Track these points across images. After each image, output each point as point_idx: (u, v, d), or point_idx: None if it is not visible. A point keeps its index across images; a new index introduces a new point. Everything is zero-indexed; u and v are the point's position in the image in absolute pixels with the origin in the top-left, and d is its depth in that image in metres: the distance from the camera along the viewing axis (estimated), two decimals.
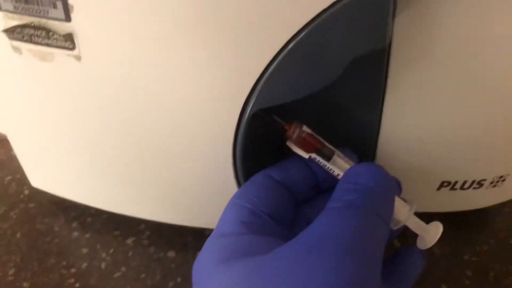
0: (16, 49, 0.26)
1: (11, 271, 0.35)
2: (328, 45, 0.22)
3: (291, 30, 0.22)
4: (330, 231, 0.21)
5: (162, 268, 0.35)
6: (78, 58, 0.25)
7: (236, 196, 0.25)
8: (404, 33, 0.24)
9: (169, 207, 0.34)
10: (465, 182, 0.32)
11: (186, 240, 0.37)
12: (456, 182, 0.32)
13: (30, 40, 0.25)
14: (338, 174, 0.25)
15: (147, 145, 0.29)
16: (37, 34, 0.25)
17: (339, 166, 0.25)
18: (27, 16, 0.24)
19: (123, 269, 0.35)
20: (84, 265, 0.35)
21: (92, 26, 0.24)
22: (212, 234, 0.24)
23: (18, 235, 0.38)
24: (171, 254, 0.36)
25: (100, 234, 0.38)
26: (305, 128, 0.26)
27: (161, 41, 0.24)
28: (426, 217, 0.26)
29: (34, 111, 0.30)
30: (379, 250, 0.21)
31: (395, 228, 0.25)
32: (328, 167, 0.26)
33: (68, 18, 0.24)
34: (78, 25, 0.24)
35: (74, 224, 0.39)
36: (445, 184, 0.32)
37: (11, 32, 0.25)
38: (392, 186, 0.24)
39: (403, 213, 0.25)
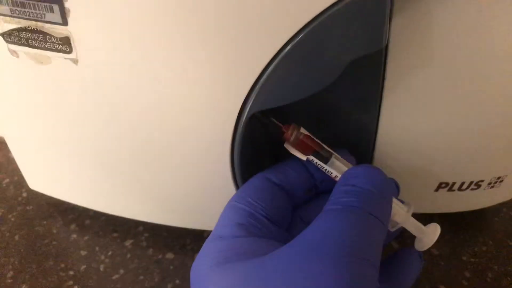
0: (13, 53, 0.26)
1: (10, 274, 0.35)
2: (326, 48, 0.22)
3: (289, 32, 0.22)
4: (328, 233, 0.21)
5: (161, 270, 0.35)
6: (75, 61, 0.25)
7: (234, 199, 0.26)
8: (401, 35, 0.24)
9: (168, 209, 0.34)
10: (463, 183, 0.32)
11: (185, 242, 0.37)
12: (454, 183, 0.32)
13: (27, 44, 0.25)
14: (336, 176, 0.25)
15: (145, 148, 0.29)
16: (34, 38, 0.25)
17: (336, 168, 0.25)
18: (24, 20, 0.24)
19: (122, 271, 0.35)
20: (83, 267, 0.35)
21: (88, 30, 0.24)
22: (210, 236, 0.24)
23: (17, 237, 0.38)
24: (169, 256, 0.36)
25: (98, 236, 0.38)
26: (302, 130, 0.26)
27: (158, 44, 0.24)
28: (424, 218, 0.26)
29: (31, 114, 0.30)
30: (377, 252, 0.21)
31: (393, 229, 0.25)
32: (326, 169, 0.26)
33: (65, 22, 0.24)
34: (74, 28, 0.24)
35: (73, 226, 0.39)
36: (443, 185, 0.32)
37: (8, 35, 0.25)
38: (389, 188, 0.24)
39: (401, 215, 0.25)
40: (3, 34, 0.25)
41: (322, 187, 0.27)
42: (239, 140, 0.26)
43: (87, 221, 0.39)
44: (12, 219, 0.39)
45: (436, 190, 0.32)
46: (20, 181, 0.43)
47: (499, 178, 0.32)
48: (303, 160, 0.26)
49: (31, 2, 0.23)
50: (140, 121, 0.28)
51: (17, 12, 0.24)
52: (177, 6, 0.22)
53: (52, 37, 0.24)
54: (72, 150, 0.32)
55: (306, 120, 0.26)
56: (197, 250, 0.24)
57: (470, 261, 0.35)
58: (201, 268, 0.23)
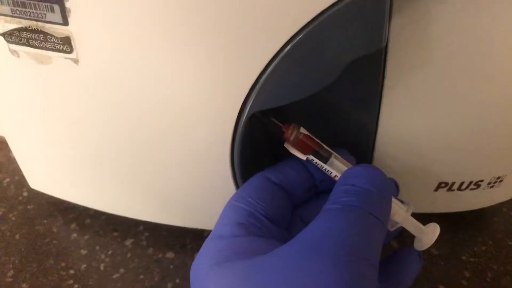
0: (14, 53, 0.26)
1: (10, 273, 0.35)
2: (325, 48, 0.22)
3: (289, 32, 0.22)
4: (328, 232, 0.21)
5: (161, 269, 0.35)
6: (75, 61, 0.25)
7: (234, 198, 0.26)
8: (400, 35, 0.24)
9: (168, 208, 0.34)
10: (462, 183, 0.32)
11: (185, 241, 0.37)
12: (453, 183, 0.32)
13: (28, 44, 0.25)
14: (335, 175, 0.25)
15: (145, 147, 0.29)
16: (34, 38, 0.25)
17: (336, 167, 0.25)
18: (24, 20, 0.24)
19: (122, 270, 0.35)
20: (83, 266, 0.35)
21: (89, 30, 0.24)
22: (210, 235, 0.24)
23: (17, 236, 0.38)
24: (169, 255, 0.36)
25: (99, 236, 0.38)
26: (302, 130, 0.26)
27: (158, 44, 0.24)
28: (424, 218, 0.26)
29: (32, 114, 0.30)
30: (376, 252, 0.21)
31: (392, 229, 0.25)
32: (326, 169, 0.26)
33: (65, 22, 0.24)
34: (75, 28, 0.24)
35: (73, 226, 0.39)
36: (443, 185, 0.32)
37: (9, 35, 0.25)
38: (389, 188, 0.24)
39: (400, 214, 0.25)
40: (4, 34, 0.25)
41: (322, 186, 0.27)
42: (239, 139, 0.26)
43: (88, 220, 0.39)
44: (13, 218, 0.40)
45: (436, 189, 0.32)
46: (20, 181, 0.43)
47: (498, 178, 0.32)
48: (303, 160, 0.26)
49: (31, 2, 0.23)
50: (140, 121, 0.28)
51: (18, 12, 0.24)
52: (178, 6, 0.22)
53: (53, 37, 0.24)
54: (72, 149, 0.32)
55: (306, 120, 0.27)
56: (197, 250, 0.24)
57: (470, 260, 0.35)
58: (201, 267, 0.23)
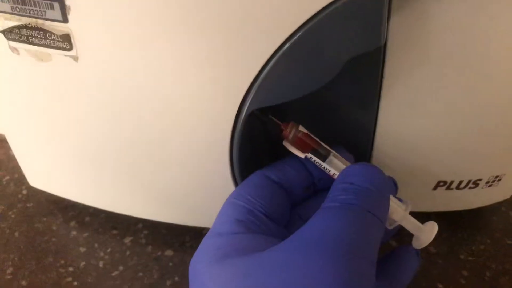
0: (14, 50, 0.26)
1: (9, 270, 0.35)
2: (324, 46, 0.22)
3: (287, 30, 0.22)
4: (326, 229, 0.21)
5: (160, 267, 0.35)
6: (75, 58, 0.25)
7: (232, 196, 0.26)
8: (399, 34, 0.24)
9: (167, 206, 0.34)
10: (461, 182, 0.32)
11: (184, 239, 0.37)
12: (452, 182, 0.32)
13: (27, 41, 0.25)
14: (334, 174, 0.26)
15: (144, 145, 0.29)
16: (34, 35, 0.25)
17: (335, 166, 0.26)
18: (24, 17, 0.24)
19: (121, 268, 0.35)
20: (82, 264, 0.35)
21: (89, 27, 0.24)
22: (208, 233, 0.24)
23: (16, 234, 0.38)
24: (168, 253, 0.36)
25: (98, 233, 0.38)
26: (301, 128, 0.26)
27: (157, 41, 0.24)
28: (423, 217, 0.26)
29: (32, 111, 0.30)
30: (374, 249, 0.21)
31: (390, 227, 0.25)
32: (324, 167, 0.26)
33: (65, 19, 0.24)
34: (75, 26, 0.24)
35: (72, 223, 0.39)
36: (441, 183, 0.32)
37: (8, 32, 0.25)
38: (387, 186, 0.24)
39: (399, 213, 0.25)
40: (3, 31, 0.25)
41: (321, 185, 0.27)
42: (238, 137, 0.26)
43: (87, 218, 0.39)
44: (12, 216, 0.40)
45: (434, 188, 0.32)
46: (20, 179, 0.43)
47: (497, 177, 0.32)
48: (302, 158, 0.26)
49: None
50: (139, 119, 0.28)
51: (18, 9, 0.24)
52: (177, 4, 0.22)
53: (53, 34, 0.24)
54: (72, 147, 0.32)
55: (305, 118, 0.27)
56: (196, 247, 0.24)
57: (468, 259, 0.35)
58: (199, 264, 0.23)
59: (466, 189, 0.32)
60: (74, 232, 0.38)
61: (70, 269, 0.35)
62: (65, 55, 0.25)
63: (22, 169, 0.37)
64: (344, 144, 0.28)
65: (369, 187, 0.22)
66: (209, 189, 0.31)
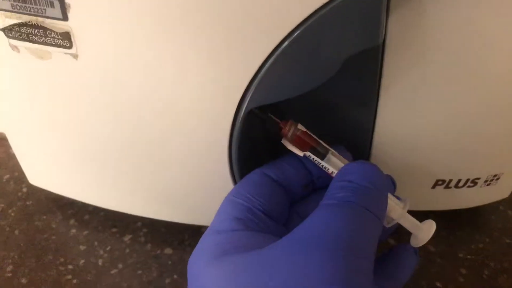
0: (14, 48, 0.26)
1: (9, 268, 0.35)
2: (323, 44, 0.23)
3: (286, 29, 0.22)
4: (324, 227, 0.21)
5: (159, 265, 0.35)
6: (75, 56, 0.25)
7: (231, 194, 0.26)
8: (398, 33, 0.24)
9: (166, 204, 0.34)
10: (459, 181, 0.32)
11: (183, 237, 0.37)
12: (450, 181, 0.32)
13: (27, 39, 0.25)
14: (332, 172, 0.26)
15: (143, 144, 0.29)
16: (34, 33, 0.25)
17: (333, 164, 0.26)
18: (24, 15, 0.24)
19: (120, 265, 0.35)
20: (82, 261, 0.35)
21: (89, 25, 0.24)
22: (207, 231, 0.25)
23: (16, 232, 0.38)
24: (167, 251, 0.36)
25: (97, 231, 0.38)
26: (300, 126, 0.26)
27: (157, 40, 0.24)
28: (421, 215, 0.26)
29: (32, 109, 0.30)
30: (372, 247, 0.21)
31: (388, 225, 0.25)
32: (323, 165, 0.26)
33: (65, 17, 0.24)
34: (75, 24, 0.24)
35: (72, 221, 0.39)
36: (440, 182, 0.32)
37: (9, 30, 0.25)
38: (385, 184, 0.24)
39: (397, 211, 0.25)
40: (4, 29, 0.25)
41: (319, 183, 0.27)
42: (237, 136, 0.26)
43: (86, 216, 0.39)
44: (12, 214, 0.40)
45: (433, 187, 0.32)
46: (20, 177, 0.43)
47: (495, 175, 0.32)
48: (300, 156, 0.26)
49: None
50: (138, 117, 0.28)
51: (18, 7, 0.24)
52: (176, 3, 0.22)
53: (53, 32, 0.24)
54: (71, 145, 0.32)
55: (304, 117, 0.27)
56: (195, 246, 0.24)
57: (467, 258, 0.35)
58: (198, 261, 0.23)
59: (464, 188, 0.32)
60: (73, 230, 0.38)
61: (70, 267, 0.35)
62: (65, 53, 0.25)
63: (22, 167, 0.37)
64: (342, 143, 0.28)
65: (367, 185, 0.23)
66: (208, 188, 0.31)
